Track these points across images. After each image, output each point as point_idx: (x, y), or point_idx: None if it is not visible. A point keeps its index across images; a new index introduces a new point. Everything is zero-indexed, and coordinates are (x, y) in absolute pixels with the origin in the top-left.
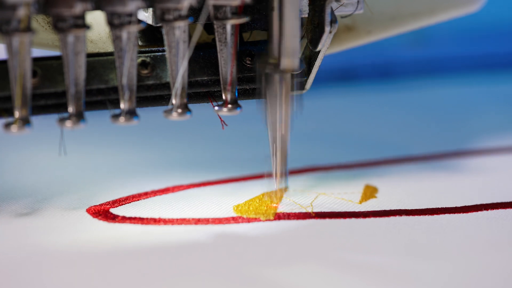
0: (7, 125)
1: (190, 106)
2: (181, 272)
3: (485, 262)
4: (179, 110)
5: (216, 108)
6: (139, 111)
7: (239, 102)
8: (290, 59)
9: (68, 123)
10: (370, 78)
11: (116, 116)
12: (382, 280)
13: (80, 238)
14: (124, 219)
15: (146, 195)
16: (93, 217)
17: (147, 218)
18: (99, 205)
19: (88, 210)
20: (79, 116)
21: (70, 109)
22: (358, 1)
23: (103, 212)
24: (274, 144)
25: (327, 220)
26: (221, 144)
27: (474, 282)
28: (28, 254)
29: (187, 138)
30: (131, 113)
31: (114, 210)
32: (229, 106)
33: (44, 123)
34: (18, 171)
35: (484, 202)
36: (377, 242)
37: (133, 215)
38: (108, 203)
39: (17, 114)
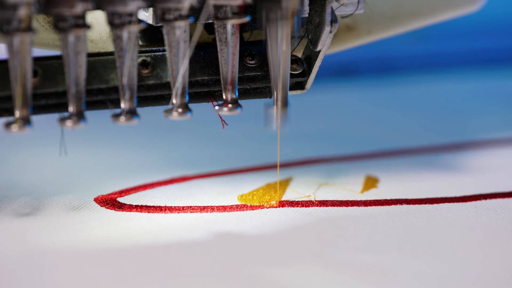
0: (8, 125)
1: (191, 105)
2: (185, 261)
3: (484, 250)
4: (180, 110)
5: (217, 107)
6: (139, 110)
7: (240, 101)
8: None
9: (69, 123)
10: (371, 73)
11: (116, 116)
12: (383, 274)
13: (81, 236)
14: (131, 208)
15: (151, 185)
16: (101, 206)
17: (153, 207)
18: (106, 194)
19: (95, 200)
20: (79, 116)
21: (71, 108)
22: (358, 1)
23: (110, 201)
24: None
25: (330, 208)
26: (221, 144)
27: (474, 271)
28: (29, 252)
29: (188, 138)
30: (131, 113)
31: (121, 199)
32: (230, 105)
33: (45, 123)
34: (18, 170)
35: (483, 192)
36: (379, 230)
37: (139, 204)
38: (115, 193)
39: (17, 113)
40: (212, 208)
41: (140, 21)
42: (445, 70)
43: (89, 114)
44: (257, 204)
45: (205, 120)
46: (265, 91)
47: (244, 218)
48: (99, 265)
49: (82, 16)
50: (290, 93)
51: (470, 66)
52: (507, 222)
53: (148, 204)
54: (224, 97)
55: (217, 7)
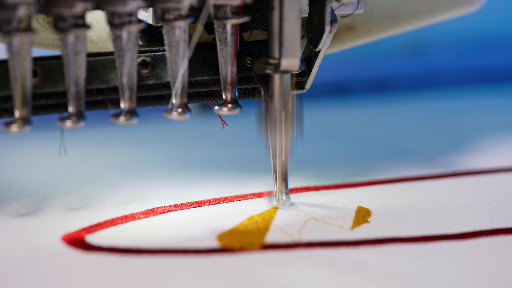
0: (8, 125)
1: (190, 105)
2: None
3: None
4: (179, 110)
5: (216, 107)
6: (139, 110)
7: (239, 101)
8: (291, 59)
9: (69, 123)
10: (364, 91)
11: (116, 116)
12: None
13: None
14: (100, 250)
15: (125, 219)
16: (68, 245)
17: (125, 249)
18: (74, 232)
19: (63, 238)
20: (79, 116)
21: (71, 108)
22: (358, 1)
23: (78, 241)
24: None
25: (317, 251)
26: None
27: None
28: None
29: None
30: (131, 113)
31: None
32: (229, 105)
33: (45, 122)
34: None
35: (482, 226)
36: (370, 275)
37: (111, 244)
38: (84, 229)
39: (17, 113)
40: (186, 252)
41: (139, 21)
42: (440, 88)
43: (88, 114)
44: (237, 246)
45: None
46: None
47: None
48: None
49: (82, 16)
50: (291, 93)
51: (465, 83)
52: (506, 262)
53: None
54: (223, 97)
55: (217, 7)
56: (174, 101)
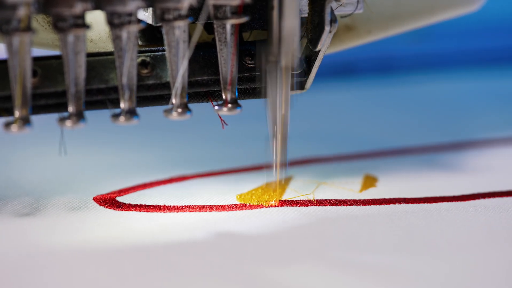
0: (7, 125)
1: (190, 105)
2: (184, 260)
3: (483, 249)
4: (179, 110)
5: (216, 107)
6: (139, 110)
7: (239, 101)
8: (290, 58)
9: (68, 123)
10: (370, 72)
11: (116, 116)
12: (382, 274)
13: (81, 236)
14: (130, 207)
15: (150, 185)
16: (100, 205)
17: (152, 206)
18: (106, 194)
19: (95, 199)
20: (79, 116)
21: (70, 108)
22: (358, 1)
23: (109, 200)
24: (274, 127)
25: (328, 208)
26: (221, 144)
27: (473, 270)
28: (29, 252)
29: (187, 137)
30: (131, 113)
31: (120, 199)
32: (229, 105)
33: (45, 122)
34: (18, 170)
35: (481, 190)
36: (378, 230)
37: (138, 203)
38: (114, 192)
39: (17, 113)
40: (211, 208)
41: (139, 21)
42: (445, 70)
43: (88, 114)
44: (256, 203)
45: (205, 120)
46: (265, 91)
47: (243, 218)
48: (99, 264)
49: (82, 16)
50: (291, 92)
51: (469, 65)
52: (505, 221)
53: (147, 204)
54: (223, 97)
55: (217, 7)
56: (174, 101)
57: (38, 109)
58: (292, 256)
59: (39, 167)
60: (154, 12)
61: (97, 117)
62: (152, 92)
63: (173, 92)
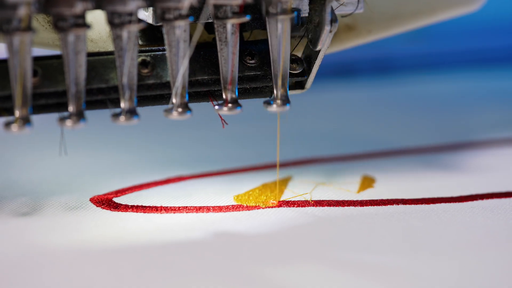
0: (8, 124)
1: (191, 105)
2: (181, 261)
3: (481, 250)
4: (180, 109)
5: (217, 107)
6: (139, 110)
7: (240, 101)
8: None
9: (69, 123)
10: (369, 72)
11: (116, 116)
12: (380, 274)
13: (79, 236)
14: (127, 208)
15: (147, 185)
16: (97, 206)
17: (149, 207)
18: (103, 194)
19: (91, 200)
20: (79, 116)
21: (71, 108)
22: (358, 0)
23: (106, 201)
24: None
25: (326, 208)
26: (221, 143)
27: (471, 271)
28: (27, 252)
29: (187, 137)
30: (131, 113)
31: (117, 200)
32: (230, 105)
33: (45, 122)
34: (17, 170)
35: (479, 191)
36: (375, 230)
37: (135, 204)
38: (111, 193)
39: (17, 113)
40: (208, 209)
41: (140, 20)
42: (444, 70)
43: (88, 114)
44: (253, 204)
45: (205, 119)
46: (265, 91)
47: (241, 218)
48: (96, 265)
49: (82, 16)
50: (290, 92)
51: (469, 65)
52: (503, 222)
53: (144, 204)
54: (224, 96)
55: (217, 7)
56: (174, 100)
57: (38, 108)
58: (290, 257)
59: (38, 167)
60: (154, 11)
61: (93, 118)
62: (153, 92)
63: (174, 92)
